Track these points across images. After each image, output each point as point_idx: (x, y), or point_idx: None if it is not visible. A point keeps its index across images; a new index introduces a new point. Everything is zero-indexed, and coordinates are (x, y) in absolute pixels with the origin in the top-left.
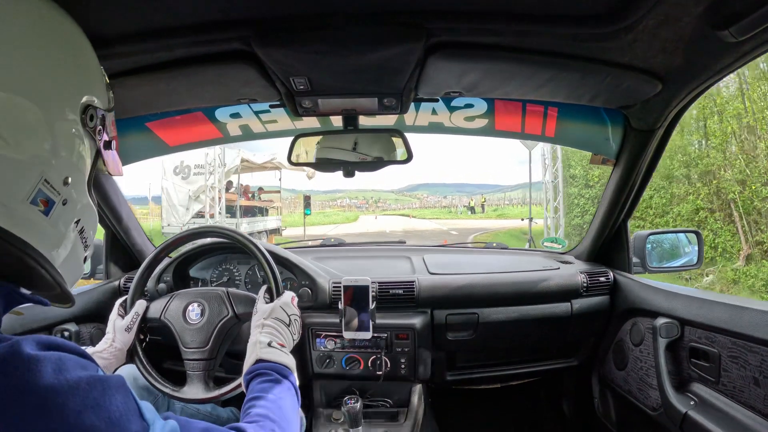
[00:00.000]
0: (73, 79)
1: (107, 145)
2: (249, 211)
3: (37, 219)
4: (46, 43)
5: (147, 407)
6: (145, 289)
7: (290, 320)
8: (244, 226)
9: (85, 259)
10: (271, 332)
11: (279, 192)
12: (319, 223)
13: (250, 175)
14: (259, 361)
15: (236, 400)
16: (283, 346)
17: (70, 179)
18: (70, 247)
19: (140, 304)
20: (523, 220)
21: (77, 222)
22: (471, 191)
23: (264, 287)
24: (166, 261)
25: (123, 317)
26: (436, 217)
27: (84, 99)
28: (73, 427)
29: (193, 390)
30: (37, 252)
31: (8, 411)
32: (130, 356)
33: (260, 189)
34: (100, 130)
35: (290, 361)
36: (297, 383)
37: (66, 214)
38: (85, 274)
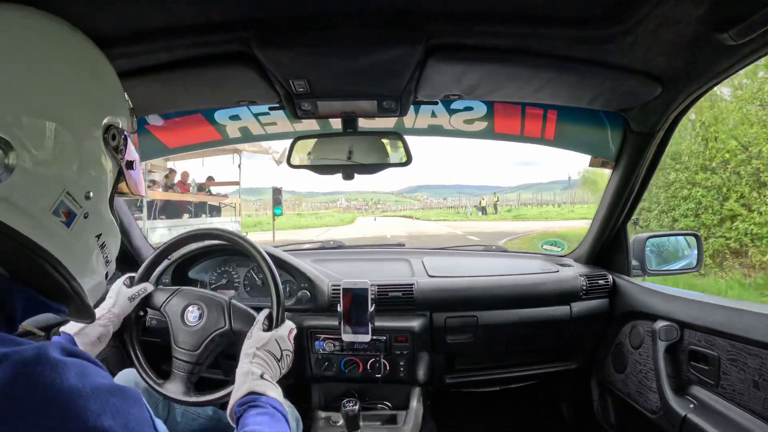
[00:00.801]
0: (96, 100)
1: (129, 165)
2: (185, 210)
3: (59, 230)
4: (69, 64)
5: (160, 424)
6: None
7: (282, 355)
8: (160, 232)
9: (106, 275)
10: (262, 364)
11: (238, 184)
12: (308, 225)
13: (201, 161)
14: (251, 392)
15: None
16: (272, 378)
17: (91, 194)
18: (90, 260)
19: (149, 285)
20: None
21: (98, 236)
22: (471, 192)
23: (265, 312)
24: (165, 263)
25: (128, 287)
26: (443, 218)
27: (106, 119)
28: (92, 428)
29: (173, 388)
30: (57, 261)
31: (33, 411)
32: (122, 331)
33: (209, 179)
34: (122, 150)
35: (280, 395)
36: (288, 417)
37: (87, 228)
38: None
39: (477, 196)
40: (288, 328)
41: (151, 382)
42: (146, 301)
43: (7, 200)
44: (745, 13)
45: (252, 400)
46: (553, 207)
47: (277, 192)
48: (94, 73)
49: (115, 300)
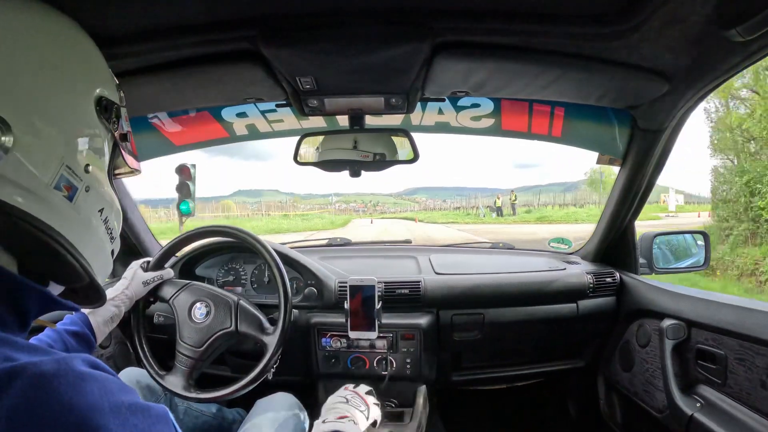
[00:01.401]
0: (84, 72)
1: (123, 138)
2: None
3: (61, 204)
4: (53, 39)
5: None
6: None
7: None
8: None
9: (112, 253)
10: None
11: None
12: (288, 230)
13: None
14: None
15: (242, 401)
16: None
17: (90, 167)
18: (96, 235)
19: (168, 272)
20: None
21: (101, 211)
22: (469, 194)
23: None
24: (172, 260)
25: (144, 271)
26: (451, 220)
27: (97, 90)
28: None
29: (174, 381)
30: (63, 237)
31: (49, 425)
32: (129, 322)
33: None
34: (114, 122)
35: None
36: None
37: (89, 201)
38: None
39: (475, 197)
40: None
41: (152, 372)
42: (156, 291)
43: (7, 178)
44: (753, 10)
45: None
46: (575, 207)
47: (183, 174)
48: (77, 46)
49: (130, 282)
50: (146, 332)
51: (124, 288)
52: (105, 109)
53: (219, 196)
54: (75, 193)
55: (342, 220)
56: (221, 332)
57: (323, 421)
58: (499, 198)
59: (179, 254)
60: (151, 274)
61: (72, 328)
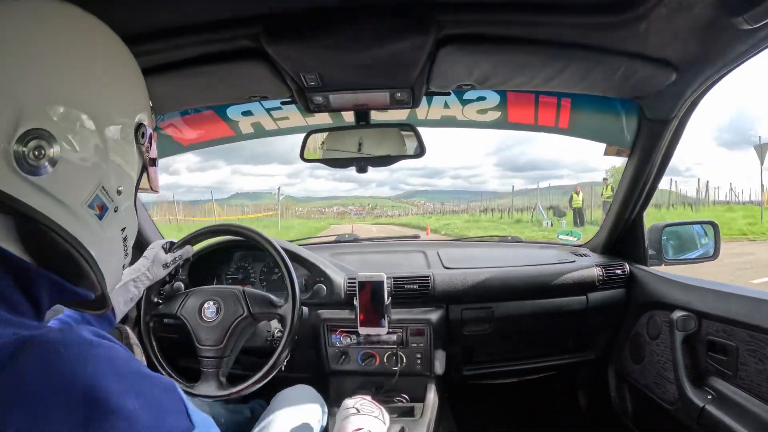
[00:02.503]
0: (130, 96)
1: (152, 162)
2: None
3: (92, 222)
4: (106, 60)
5: (195, 412)
6: (161, 288)
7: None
8: None
9: (123, 267)
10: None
11: None
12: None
13: None
14: None
15: (259, 394)
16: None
17: (122, 189)
18: (115, 253)
19: (187, 249)
20: None
21: (123, 230)
22: (469, 198)
23: None
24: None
25: (166, 252)
26: (495, 230)
27: (138, 117)
28: (116, 410)
29: (206, 387)
30: (88, 253)
31: (54, 395)
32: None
33: None
34: (147, 148)
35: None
36: None
37: (116, 221)
38: None
39: (476, 201)
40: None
41: (180, 386)
42: (165, 306)
43: (48, 192)
44: None
45: None
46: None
47: None
48: (127, 70)
49: (152, 263)
50: (161, 350)
51: (146, 269)
52: (142, 135)
53: (218, 198)
54: (105, 212)
55: (322, 226)
56: (237, 321)
57: None
58: (578, 192)
59: None
60: (171, 255)
61: None
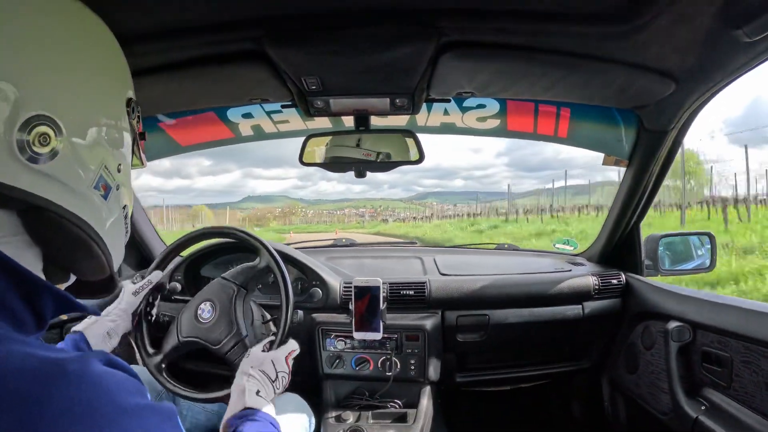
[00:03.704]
0: (121, 75)
1: (141, 136)
2: None
3: (98, 203)
4: (96, 41)
5: None
6: (156, 293)
7: (277, 377)
8: None
9: (124, 243)
10: (258, 384)
11: None
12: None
13: None
14: (247, 408)
15: None
16: (267, 397)
17: (121, 166)
18: (119, 231)
19: (155, 275)
20: None
21: (125, 207)
22: (482, 199)
23: (267, 340)
24: (177, 259)
25: (135, 284)
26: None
27: (129, 93)
28: None
29: (153, 361)
30: (97, 235)
31: (77, 424)
32: (137, 323)
33: None
34: (137, 121)
35: (273, 412)
36: None
37: (119, 200)
38: None
39: (487, 202)
40: (288, 349)
41: (142, 354)
42: (157, 289)
43: (55, 178)
44: (761, 10)
45: (248, 414)
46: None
47: None
48: (111, 47)
49: (122, 297)
50: (152, 342)
51: (119, 302)
52: (132, 109)
53: (228, 202)
54: (109, 191)
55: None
56: (233, 299)
57: (257, 392)
58: None
59: (184, 254)
60: (138, 284)
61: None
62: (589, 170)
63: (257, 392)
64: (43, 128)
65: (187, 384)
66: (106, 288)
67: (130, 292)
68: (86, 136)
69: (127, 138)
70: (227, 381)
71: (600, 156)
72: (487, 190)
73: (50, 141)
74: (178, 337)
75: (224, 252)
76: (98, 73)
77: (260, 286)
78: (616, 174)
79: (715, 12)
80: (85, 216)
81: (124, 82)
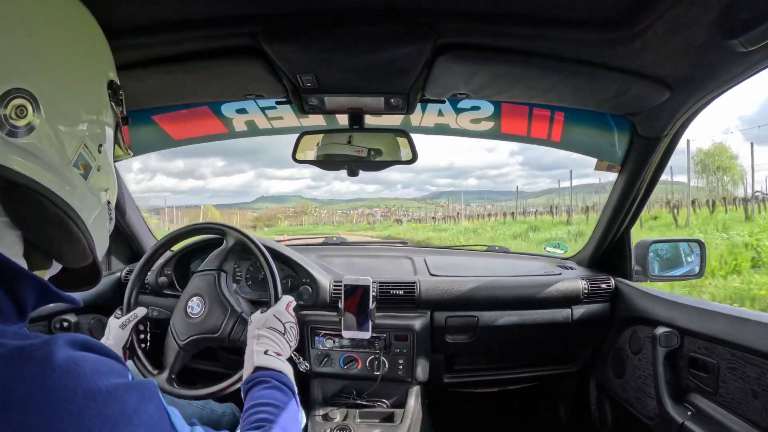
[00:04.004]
0: (100, 54)
1: (125, 121)
2: None
3: (78, 182)
4: (74, 22)
5: (175, 414)
6: (146, 281)
7: (285, 328)
8: None
9: (108, 231)
10: (267, 342)
11: None
12: None
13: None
14: (256, 369)
15: (234, 396)
16: (279, 354)
17: (102, 147)
18: (99, 214)
19: (140, 309)
20: None
21: (106, 191)
22: (494, 198)
23: (260, 309)
24: (168, 254)
25: (119, 318)
26: None
27: (109, 74)
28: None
29: (160, 378)
30: (77, 216)
31: (43, 416)
32: (131, 355)
33: None
34: (120, 104)
35: (287, 369)
36: (296, 390)
37: (100, 181)
38: None
39: (500, 202)
40: (285, 302)
41: (143, 370)
42: (144, 320)
43: (34, 154)
44: (756, 21)
45: (257, 377)
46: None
47: None
48: (93, 29)
49: (108, 332)
50: (146, 355)
51: (106, 338)
52: (114, 92)
53: (241, 202)
54: (89, 171)
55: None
56: (219, 286)
57: (265, 352)
58: None
59: (174, 249)
60: (124, 318)
61: None
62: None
63: (266, 351)
64: (19, 101)
65: (195, 384)
66: (90, 278)
67: (117, 326)
68: (65, 112)
69: (109, 119)
70: (219, 376)
71: None
72: (501, 189)
73: (27, 114)
74: (177, 342)
75: (213, 247)
76: (77, 51)
77: (250, 282)
78: None
79: (711, 21)
80: (63, 195)
81: (104, 64)
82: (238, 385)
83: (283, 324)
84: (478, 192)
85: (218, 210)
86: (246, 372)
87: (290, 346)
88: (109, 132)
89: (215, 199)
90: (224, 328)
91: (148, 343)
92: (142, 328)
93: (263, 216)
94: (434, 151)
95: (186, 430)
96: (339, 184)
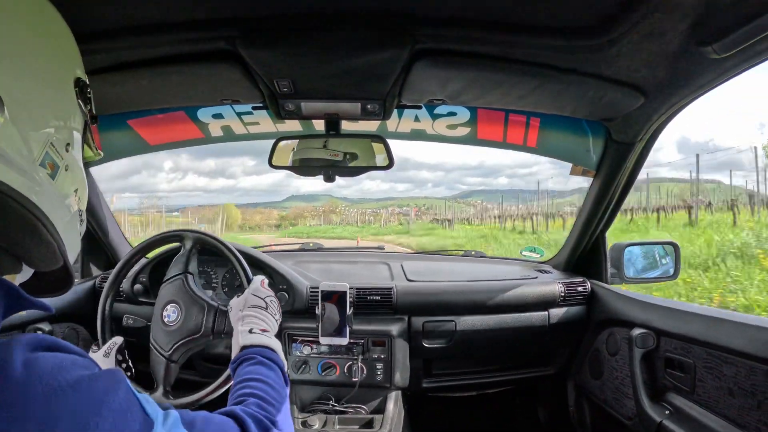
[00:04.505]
0: (66, 52)
1: (93, 120)
2: None
3: (46, 182)
4: (40, 19)
5: (147, 400)
6: (121, 289)
7: (266, 303)
8: None
9: (80, 234)
10: (251, 321)
11: None
12: None
13: None
14: (242, 348)
15: (214, 405)
16: (265, 330)
17: (69, 146)
18: (70, 216)
19: (117, 338)
20: None
21: (76, 191)
22: (527, 198)
23: (235, 296)
24: (142, 261)
25: (96, 351)
26: None
27: (76, 72)
28: (78, 427)
29: (156, 395)
30: (46, 217)
31: (5, 422)
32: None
33: None
34: (88, 103)
35: (274, 344)
36: (284, 363)
37: (68, 181)
38: None
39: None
40: (258, 280)
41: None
42: (122, 350)
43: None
44: (729, 28)
45: (243, 355)
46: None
47: None
48: (60, 26)
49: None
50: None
51: None
52: (81, 90)
53: (271, 201)
54: (57, 171)
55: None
56: (188, 290)
57: (250, 330)
58: None
59: (150, 256)
60: (103, 348)
61: None
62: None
63: (250, 330)
64: None
65: (187, 391)
66: (61, 283)
67: (101, 356)
68: (29, 110)
69: (77, 118)
70: (197, 386)
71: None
72: (532, 188)
73: None
74: (162, 356)
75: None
76: (41, 48)
77: (226, 289)
78: (666, 170)
79: (686, 29)
80: (30, 195)
81: (71, 61)
82: (219, 391)
83: (263, 299)
84: (511, 191)
85: (240, 209)
86: (234, 353)
87: (276, 320)
88: (77, 131)
89: (246, 198)
90: (205, 324)
91: (133, 370)
92: (120, 358)
93: (289, 215)
94: (465, 149)
95: (159, 415)
96: (369, 182)
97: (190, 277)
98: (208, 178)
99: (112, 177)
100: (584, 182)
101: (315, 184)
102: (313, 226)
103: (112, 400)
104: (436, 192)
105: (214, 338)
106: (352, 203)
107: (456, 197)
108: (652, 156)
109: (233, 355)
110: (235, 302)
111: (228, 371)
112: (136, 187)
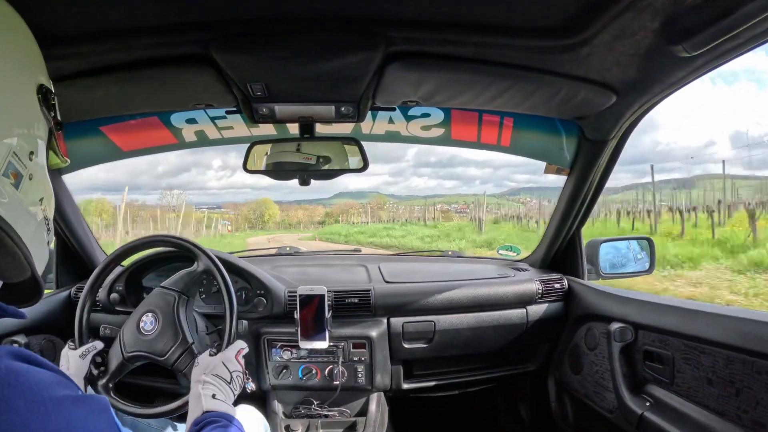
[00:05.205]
0: (29, 60)
1: (58, 126)
2: None
3: (9, 192)
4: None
5: None
6: (97, 299)
7: (232, 377)
8: None
9: (48, 244)
10: (212, 388)
11: None
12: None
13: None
14: (205, 412)
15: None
16: (223, 401)
17: (33, 155)
18: (36, 226)
19: (99, 343)
20: None
21: (41, 200)
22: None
23: (209, 351)
24: (118, 270)
25: (74, 349)
26: None
27: (38, 78)
28: None
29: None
30: (10, 227)
31: None
32: (89, 385)
33: None
34: (52, 110)
35: (234, 412)
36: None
37: (33, 190)
38: None
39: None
40: (236, 348)
41: (142, 411)
42: (101, 353)
43: None
44: (699, 27)
45: (207, 418)
46: None
47: None
48: (21, 33)
49: (67, 363)
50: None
51: (65, 369)
52: (45, 97)
53: (320, 198)
54: (21, 180)
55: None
56: (175, 306)
57: (213, 396)
58: None
59: (125, 264)
60: (81, 348)
61: None
62: (688, 164)
63: (213, 395)
64: None
65: (135, 400)
66: (30, 293)
67: (76, 356)
68: None
69: (41, 125)
70: (174, 395)
71: (703, 142)
72: None
73: None
74: (122, 353)
75: (165, 261)
76: (2, 56)
77: (203, 295)
78: (719, 167)
79: (657, 28)
80: None
81: (33, 68)
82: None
83: (231, 373)
84: (559, 188)
85: (281, 205)
86: (193, 414)
87: (233, 395)
88: (41, 139)
89: (294, 195)
90: (171, 354)
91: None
92: (99, 360)
93: (334, 211)
94: None
95: None
96: (417, 179)
97: (183, 299)
98: (258, 176)
99: (159, 175)
100: (635, 179)
101: (363, 180)
102: (357, 224)
103: (92, 426)
104: (484, 189)
105: (172, 370)
106: (399, 200)
107: (504, 194)
108: (705, 152)
109: (192, 413)
110: (204, 360)
111: (186, 398)
112: (184, 185)
